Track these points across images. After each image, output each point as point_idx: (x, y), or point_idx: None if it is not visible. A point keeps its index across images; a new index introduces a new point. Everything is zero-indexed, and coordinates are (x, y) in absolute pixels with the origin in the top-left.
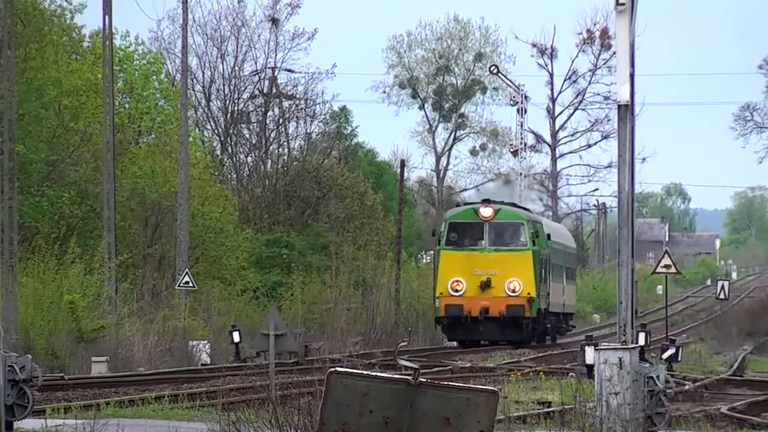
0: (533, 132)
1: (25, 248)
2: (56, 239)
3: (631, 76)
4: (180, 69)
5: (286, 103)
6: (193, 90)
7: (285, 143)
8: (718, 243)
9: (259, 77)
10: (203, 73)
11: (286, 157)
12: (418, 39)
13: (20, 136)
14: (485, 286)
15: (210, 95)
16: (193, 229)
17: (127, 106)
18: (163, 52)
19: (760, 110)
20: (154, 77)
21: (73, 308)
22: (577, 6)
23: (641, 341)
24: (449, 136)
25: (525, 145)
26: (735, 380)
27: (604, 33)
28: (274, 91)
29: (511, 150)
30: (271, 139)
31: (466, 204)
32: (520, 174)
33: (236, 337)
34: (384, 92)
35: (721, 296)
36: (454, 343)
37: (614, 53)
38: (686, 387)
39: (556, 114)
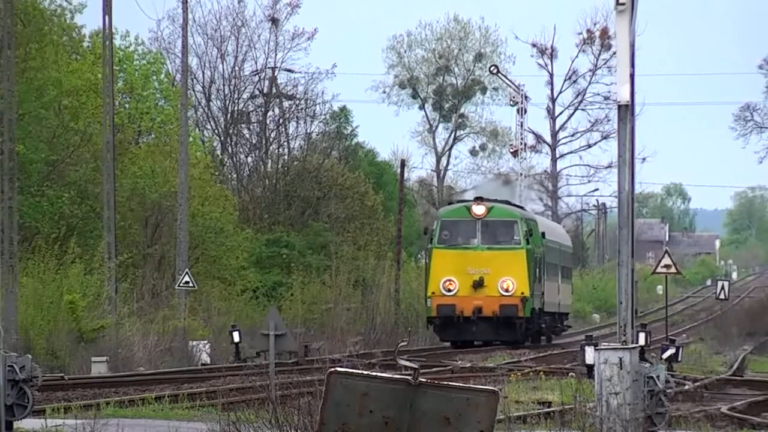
0: (533, 132)
1: (25, 248)
2: (56, 239)
3: (631, 76)
4: (180, 69)
5: (286, 103)
6: (193, 90)
7: (285, 143)
8: (718, 243)
9: (259, 77)
10: (203, 73)
11: (286, 157)
12: (418, 39)
13: (20, 136)
14: (478, 285)
15: (210, 95)
16: (193, 229)
17: (127, 106)
18: (163, 52)
19: (760, 110)
20: (154, 77)
21: (73, 308)
22: (577, 6)
23: (641, 341)
24: (449, 136)
25: (525, 145)
26: (735, 380)
27: (604, 33)
28: (274, 91)
29: (511, 150)
30: (271, 139)
31: (458, 202)
32: (520, 174)
33: (236, 337)
34: (384, 92)
35: (721, 296)
36: (447, 344)
37: (614, 53)
38: (686, 387)
39: (556, 114)
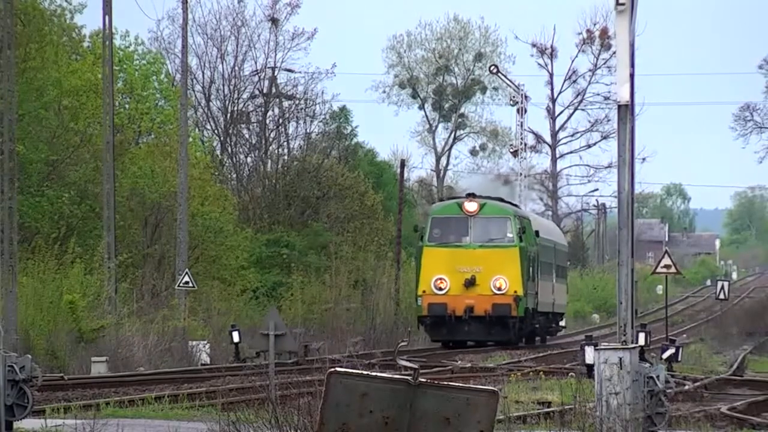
0: (533, 132)
1: (25, 248)
2: (56, 239)
3: (631, 76)
4: (180, 69)
5: (286, 103)
6: (193, 90)
7: (285, 143)
8: (718, 243)
9: (259, 77)
10: (203, 73)
11: (286, 157)
12: (418, 39)
13: (20, 136)
14: (470, 284)
15: (210, 95)
16: (193, 229)
17: (127, 106)
18: (163, 52)
19: (760, 110)
20: (154, 77)
21: (73, 308)
22: (577, 6)
23: (641, 341)
24: (449, 136)
25: (525, 145)
26: (735, 380)
27: (604, 33)
28: (273, 91)
29: (511, 150)
30: (270, 139)
31: (450, 198)
32: (520, 174)
33: (236, 337)
34: (384, 92)
35: (721, 296)
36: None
37: (614, 53)
38: (686, 387)
39: (556, 114)
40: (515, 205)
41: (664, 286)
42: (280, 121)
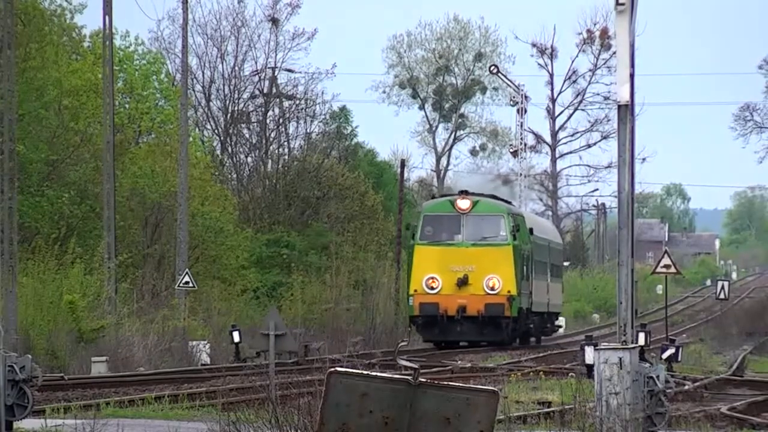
0: (533, 132)
1: (25, 248)
2: (56, 239)
3: (631, 76)
4: (180, 69)
5: (286, 103)
6: (193, 90)
7: (285, 143)
8: (717, 243)
9: (259, 77)
10: (203, 73)
11: (286, 157)
12: (418, 39)
13: (20, 136)
14: (462, 283)
15: (210, 95)
16: (193, 229)
17: (127, 106)
18: (163, 52)
19: (760, 110)
20: (154, 77)
21: (73, 308)
22: (577, 6)
23: (641, 341)
24: (449, 136)
25: (525, 145)
26: (735, 380)
27: (604, 33)
28: (274, 91)
29: (511, 150)
30: (271, 139)
31: (442, 196)
32: (520, 174)
33: (236, 337)
34: (384, 92)
35: (721, 296)
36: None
37: (614, 53)
38: (686, 387)
39: (556, 114)
40: (508, 203)
41: (664, 286)
42: (281, 121)
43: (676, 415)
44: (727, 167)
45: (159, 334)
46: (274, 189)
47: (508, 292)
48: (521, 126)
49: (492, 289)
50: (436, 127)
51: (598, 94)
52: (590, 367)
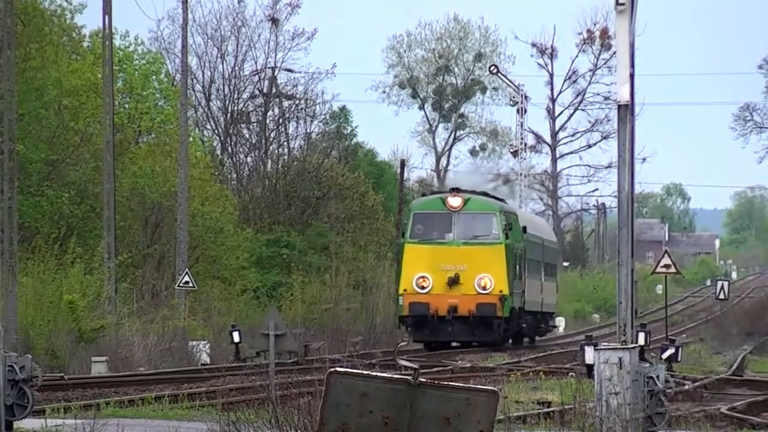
0: (533, 132)
1: (25, 248)
2: (56, 239)
3: (631, 76)
4: (180, 69)
5: (286, 103)
6: (193, 90)
7: (285, 143)
8: (717, 243)
9: (259, 77)
10: (203, 73)
11: (286, 157)
12: (418, 39)
13: (20, 136)
14: (453, 282)
15: (210, 95)
16: (193, 229)
17: (126, 106)
18: (162, 52)
19: (760, 110)
20: (154, 77)
21: (73, 308)
22: (577, 6)
23: (641, 341)
24: (449, 136)
25: (525, 145)
26: (735, 380)
27: (604, 33)
28: (274, 91)
29: (511, 150)
30: (271, 139)
31: (433, 193)
32: (520, 174)
33: (236, 337)
34: (384, 92)
35: (721, 296)
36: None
37: (614, 53)
38: (686, 387)
39: (556, 114)
40: (501, 200)
41: (664, 286)
42: (280, 121)
43: (676, 415)
44: (727, 167)
45: (159, 334)
46: (274, 189)
47: (500, 291)
48: (521, 126)
49: (484, 288)
50: (436, 127)
51: (598, 94)
52: (590, 367)
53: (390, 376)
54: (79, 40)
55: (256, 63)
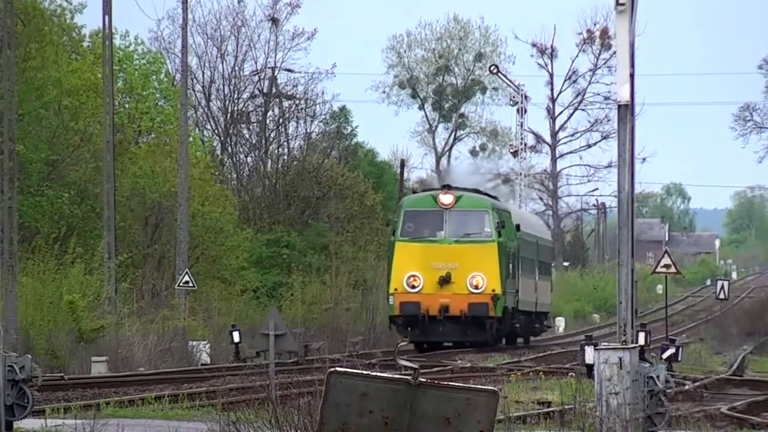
0: (533, 132)
1: (25, 248)
2: (56, 239)
3: (631, 76)
4: (180, 69)
5: (286, 103)
6: (193, 90)
7: (285, 143)
8: (717, 243)
9: (259, 77)
10: (203, 73)
11: (286, 157)
12: (418, 39)
13: (20, 136)
14: (444, 281)
15: (210, 95)
16: (193, 229)
17: (126, 106)
18: (162, 52)
19: (760, 110)
20: (154, 77)
21: (73, 308)
22: (577, 6)
23: (641, 341)
24: (449, 136)
25: (525, 145)
26: (735, 380)
27: (604, 33)
28: (274, 91)
29: (511, 150)
30: (271, 139)
31: (424, 190)
32: (520, 174)
33: (236, 337)
34: (384, 92)
35: (721, 296)
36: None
37: (614, 53)
38: (686, 387)
39: (556, 114)
40: (494, 197)
41: (664, 285)
42: (280, 121)
43: (676, 415)
44: (727, 167)
45: (159, 334)
46: (274, 189)
47: (493, 290)
48: (521, 126)
49: (476, 287)
50: (436, 127)
51: (598, 94)
52: (590, 367)
53: (390, 376)
54: (79, 40)
55: (256, 63)
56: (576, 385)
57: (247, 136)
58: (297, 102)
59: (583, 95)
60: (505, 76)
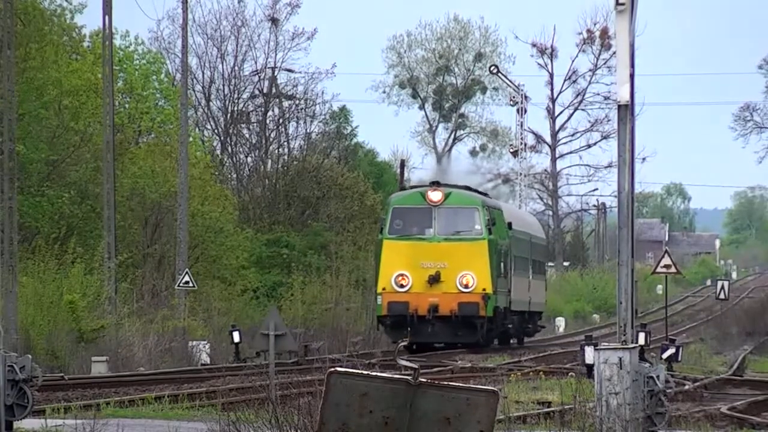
0: (533, 132)
1: (25, 248)
2: (56, 239)
3: (631, 76)
4: (180, 69)
5: (286, 103)
6: (193, 90)
7: (285, 143)
8: (718, 243)
9: (259, 77)
10: (203, 73)
11: (286, 157)
12: (418, 39)
13: (20, 136)
14: (434, 280)
15: (210, 95)
16: (193, 229)
17: (127, 106)
18: (163, 52)
19: (760, 110)
20: (154, 77)
21: (73, 308)
22: (577, 6)
23: (641, 341)
24: (449, 136)
25: (525, 145)
26: (735, 380)
27: (604, 33)
28: (274, 91)
29: (511, 150)
30: (271, 139)
31: (412, 187)
32: (520, 174)
33: (236, 337)
34: (384, 92)
35: (721, 296)
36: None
37: (614, 53)
38: (686, 387)
39: (556, 114)
40: (484, 194)
41: (664, 285)
42: (280, 121)
43: (676, 415)
44: (727, 167)
45: (159, 334)
46: (273, 189)
47: (483, 290)
48: (521, 126)
49: (466, 286)
50: (436, 127)
51: (598, 94)
52: (590, 367)
53: (390, 376)
54: (79, 40)
55: (256, 63)
56: (576, 385)
57: (247, 136)
58: (297, 102)
59: (583, 95)
60: (505, 76)
